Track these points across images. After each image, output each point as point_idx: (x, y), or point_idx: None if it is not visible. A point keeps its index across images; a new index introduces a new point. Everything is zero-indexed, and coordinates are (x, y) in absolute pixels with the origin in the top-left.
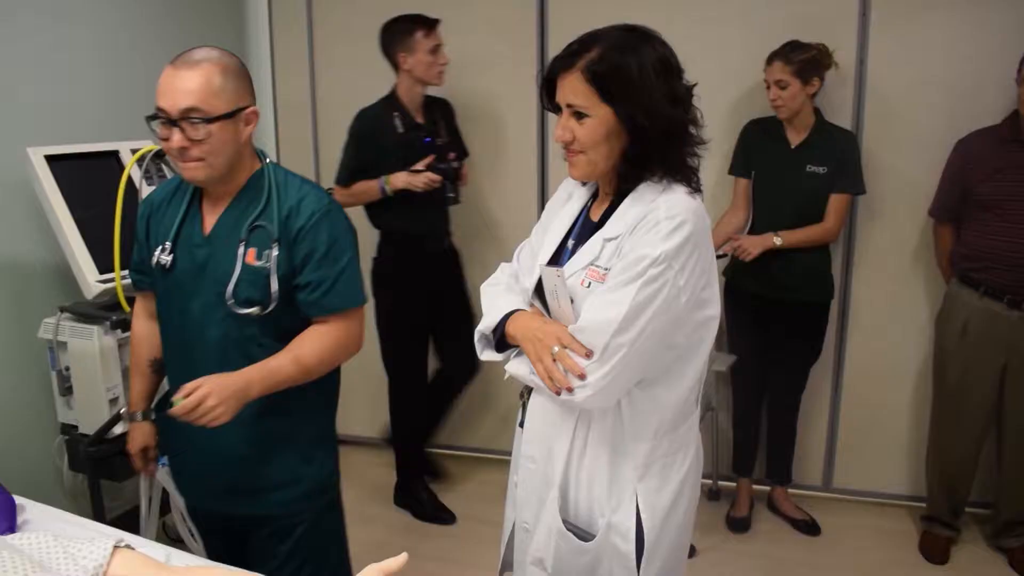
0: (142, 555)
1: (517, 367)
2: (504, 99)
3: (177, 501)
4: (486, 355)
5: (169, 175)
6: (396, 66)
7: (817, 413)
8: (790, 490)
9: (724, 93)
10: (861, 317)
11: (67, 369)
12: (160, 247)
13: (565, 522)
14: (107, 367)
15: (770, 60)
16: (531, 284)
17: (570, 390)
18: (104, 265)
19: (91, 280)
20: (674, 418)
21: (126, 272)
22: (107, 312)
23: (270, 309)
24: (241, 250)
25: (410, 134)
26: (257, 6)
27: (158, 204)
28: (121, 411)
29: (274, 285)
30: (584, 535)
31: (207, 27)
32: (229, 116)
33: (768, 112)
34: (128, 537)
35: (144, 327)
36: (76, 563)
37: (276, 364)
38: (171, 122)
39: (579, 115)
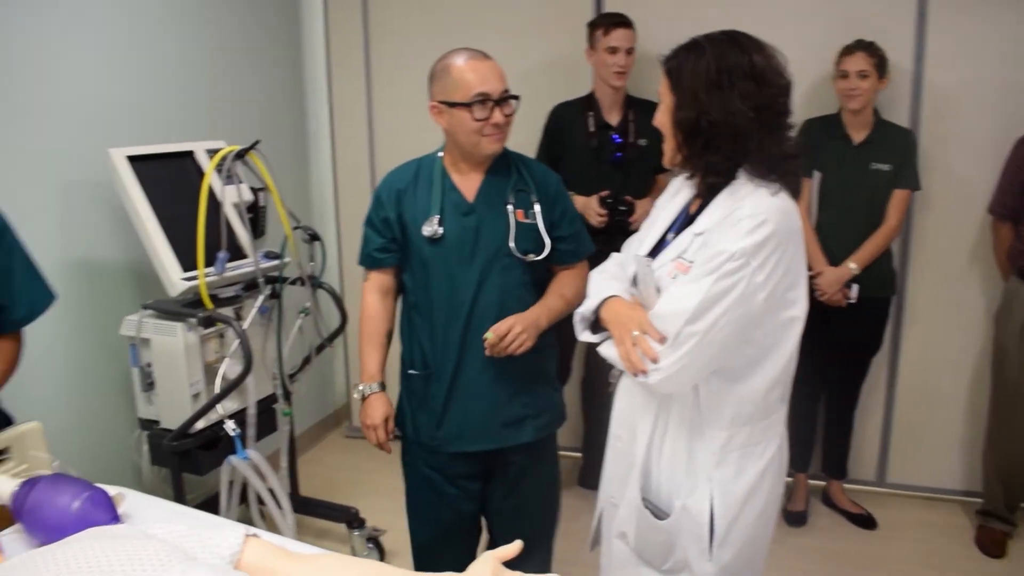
0: (270, 543)
1: (607, 349)
2: None
3: (272, 483)
4: (583, 336)
5: (242, 176)
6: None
7: (872, 408)
8: (845, 485)
9: None
10: (918, 312)
11: (149, 365)
12: (427, 221)
13: (644, 500)
14: (190, 363)
15: (851, 50)
16: (630, 274)
17: (644, 372)
18: (186, 263)
19: (175, 278)
20: (753, 411)
21: (210, 269)
22: (190, 309)
23: (545, 255)
24: (511, 209)
25: (600, 133)
26: (312, 10)
27: (403, 188)
28: (359, 386)
29: (544, 236)
30: (660, 513)
31: (265, 29)
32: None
33: (824, 112)
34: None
35: (378, 303)
36: (211, 551)
37: (551, 301)
38: (493, 102)
39: (662, 102)
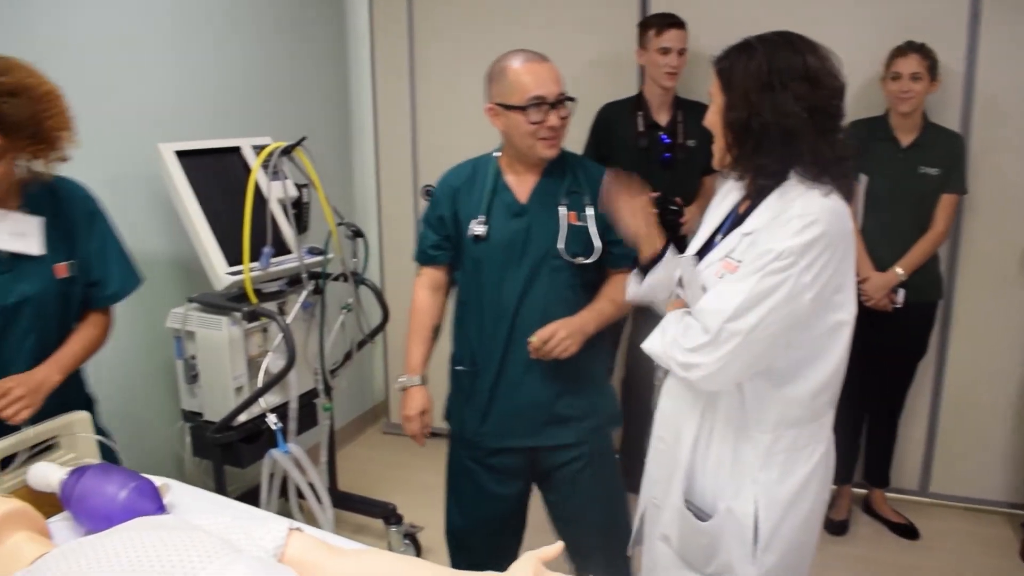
0: (313, 538)
1: (651, 344)
2: None
3: (311, 477)
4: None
5: (288, 172)
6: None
7: (916, 416)
8: (888, 494)
9: None
10: (964, 318)
11: (193, 358)
12: (475, 220)
13: (687, 502)
14: (234, 357)
15: (904, 52)
16: (676, 276)
17: (684, 368)
18: (231, 258)
19: (221, 272)
20: (800, 415)
21: (255, 264)
22: (235, 303)
23: (595, 258)
24: (563, 211)
25: (649, 133)
26: (358, 8)
27: (458, 186)
28: (400, 378)
29: (595, 239)
30: (703, 516)
31: (311, 27)
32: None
33: (871, 113)
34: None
35: (428, 297)
36: (256, 544)
37: (600, 306)
38: (548, 105)
39: (713, 102)
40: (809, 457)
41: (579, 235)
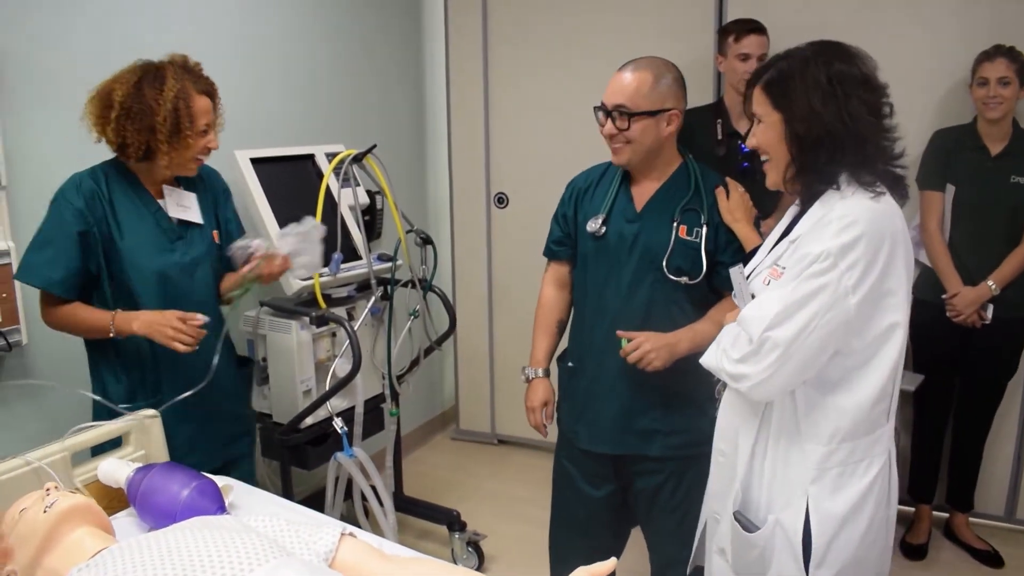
0: (365, 543)
1: (707, 357)
2: None
3: (375, 481)
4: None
5: (359, 180)
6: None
7: (1003, 437)
8: (971, 519)
9: (907, 101)
10: None
11: (264, 360)
12: (593, 218)
13: (736, 513)
14: (302, 360)
15: (990, 56)
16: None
17: (734, 379)
18: None
19: (292, 277)
20: (854, 426)
21: (325, 270)
22: (305, 308)
23: (698, 279)
24: (674, 226)
25: (728, 141)
26: (433, 17)
27: (584, 187)
28: (525, 368)
29: (703, 258)
30: (751, 527)
31: (387, 36)
32: (651, 114)
33: (956, 122)
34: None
35: (553, 293)
36: (308, 547)
37: (701, 327)
38: (607, 112)
39: (760, 123)
40: (865, 472)
41: (687, 251)
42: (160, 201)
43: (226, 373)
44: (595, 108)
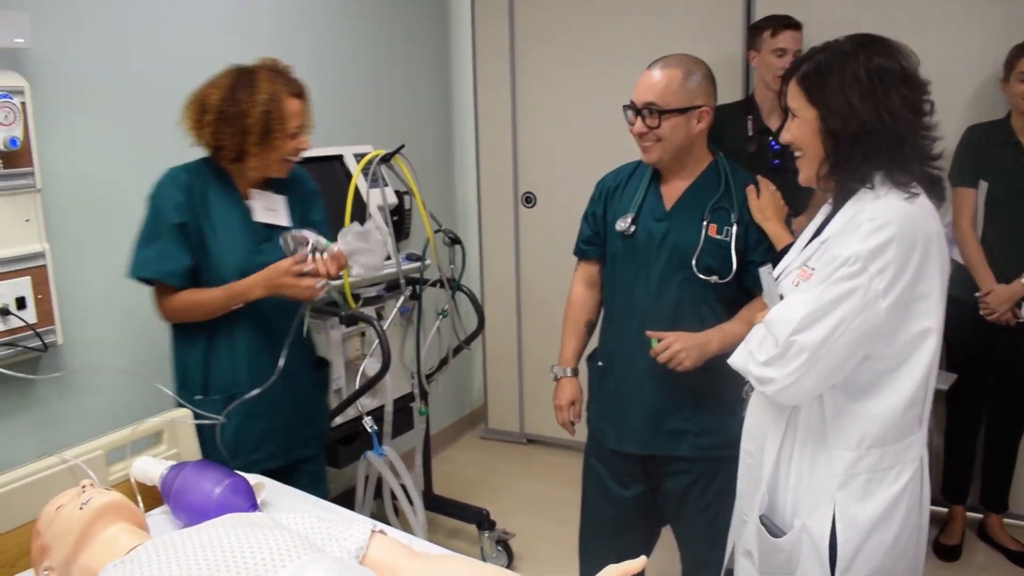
0: (396, 540)
1: (735, 358)
2: None
3: (405, 480)
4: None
5: (387, 179)
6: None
7: None
8: (1005, 520)
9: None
10: None
11: None
12: (622, 216)
13: (762, 517)
14: (333, 359)
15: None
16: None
17: (760, 383)
18: None
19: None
20: (884, 432)
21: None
22: (334, 307)
23: (728, 278)
24: (704, 224)
25: (760, 137)
26: (460, 20)
27: (614, 186)
28: (553, 367)
29: (734, 258)
30: (777, 531)
31: (414, 38)
32: (681, 112)
33: (989, 117)
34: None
35: (583, 292)
36: (339, 544)
37: (731, 327)
38: (636, 111)
39: (795, 118)
40: (895, 479)
41: (717, 250)
42: (248, 203)
43: (301, 374)
44: (624, 107)
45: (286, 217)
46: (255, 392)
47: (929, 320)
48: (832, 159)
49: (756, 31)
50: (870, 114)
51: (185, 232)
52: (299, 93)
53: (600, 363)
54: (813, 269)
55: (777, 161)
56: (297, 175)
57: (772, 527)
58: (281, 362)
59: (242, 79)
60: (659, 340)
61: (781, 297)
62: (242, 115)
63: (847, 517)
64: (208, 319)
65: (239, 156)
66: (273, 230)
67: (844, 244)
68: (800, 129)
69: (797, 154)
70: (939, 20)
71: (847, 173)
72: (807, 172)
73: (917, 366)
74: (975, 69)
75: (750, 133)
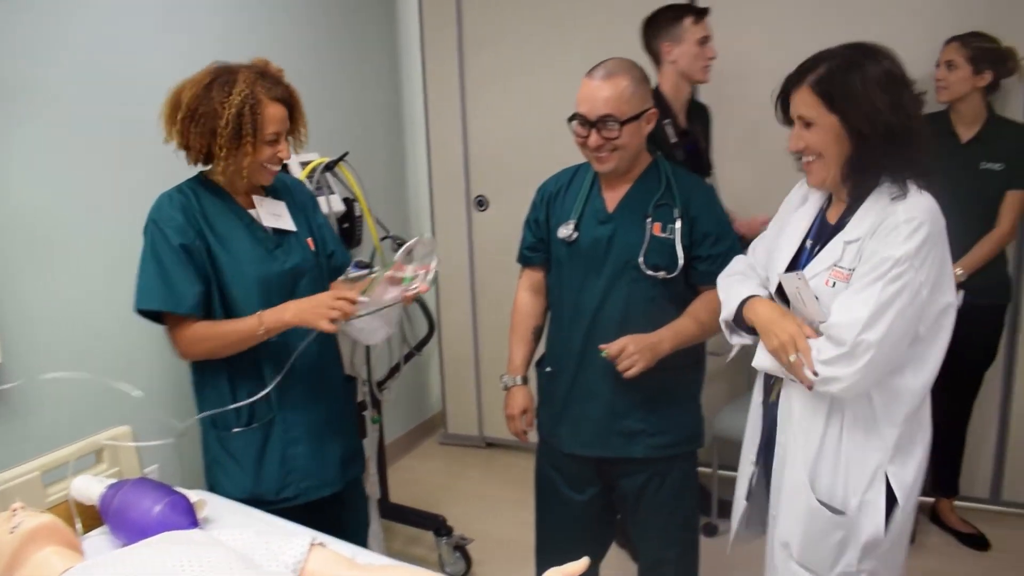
0: (335, 552)
1: (763, 360)
2: None
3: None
4: (735, 340)
5: (333, 186)
6: (658, 59)
7: (986, 421)
8: (955, 502)
9: None
10: None
11: None
12: (564, 224)
13: (819, 501)
14: None
15: (948, 41)
16: (772, 287)
17: (810, 387)
18: None
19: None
20: (918, 403)
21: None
22: None
23: (675, 273)
24: (648, 223)
25: (681, 142)
26: (409, 24)
27: (555, 191)
28: (503, 377)
29: (679, 253)
30: (838, 512)
31: (361, 42)
32: (636, 118)
33: (931, 111)
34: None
35: (528, 299)
36: (277, 559)
37: (682, 324)
38: (589, 124)
39: (808, 125)
40: (922, 438)
41: (662, 248)
42: (252, 211)
43: (336, 389)
44: (570, 119)
45: (291, 222)
46: (255, 398)
47: (949, 295)
48: (856, 160)
49: (672, 21)
50: (892, 115)
51: (191, 254)
52: (283, 98)
53: (548, 368)
54: (851, 270)
55: (691, 147)
56: (292, 184)
57: (832, 508)
58: (276, 382)
59: (220, 78)
60: (607, 354)
61: (816, 298)
62: (212, 115)
63: (900, 484)
64: (232, 353)
65: (206, 159)
66: (283, 235)
67: (889, 245)
68: (818, 135)
69: (808, 158)
70: (874, 12)
71: (869, 173)
72: (824, 174)
73: (944, 336)
74: (911, 63)
75: (673, 139)
